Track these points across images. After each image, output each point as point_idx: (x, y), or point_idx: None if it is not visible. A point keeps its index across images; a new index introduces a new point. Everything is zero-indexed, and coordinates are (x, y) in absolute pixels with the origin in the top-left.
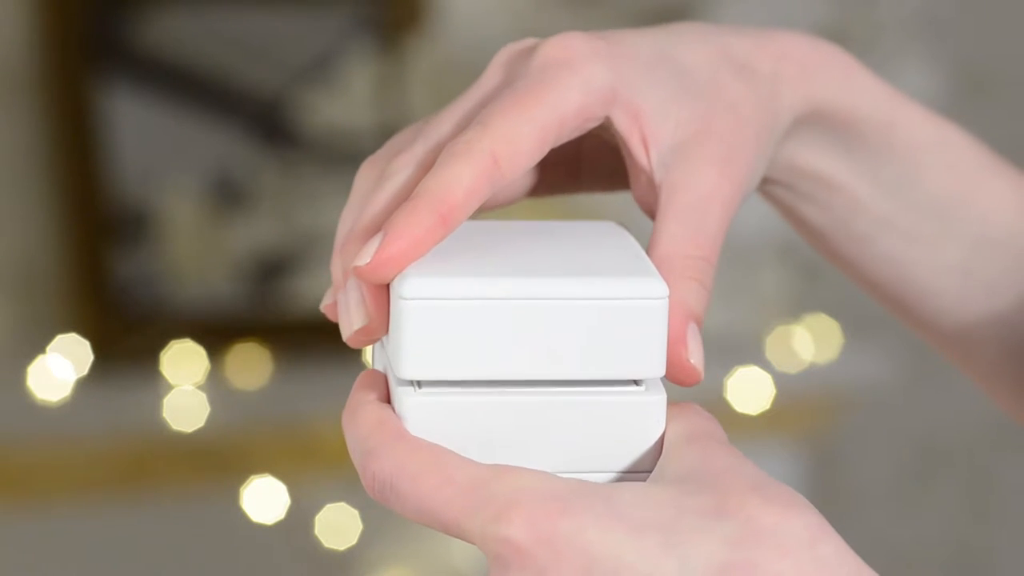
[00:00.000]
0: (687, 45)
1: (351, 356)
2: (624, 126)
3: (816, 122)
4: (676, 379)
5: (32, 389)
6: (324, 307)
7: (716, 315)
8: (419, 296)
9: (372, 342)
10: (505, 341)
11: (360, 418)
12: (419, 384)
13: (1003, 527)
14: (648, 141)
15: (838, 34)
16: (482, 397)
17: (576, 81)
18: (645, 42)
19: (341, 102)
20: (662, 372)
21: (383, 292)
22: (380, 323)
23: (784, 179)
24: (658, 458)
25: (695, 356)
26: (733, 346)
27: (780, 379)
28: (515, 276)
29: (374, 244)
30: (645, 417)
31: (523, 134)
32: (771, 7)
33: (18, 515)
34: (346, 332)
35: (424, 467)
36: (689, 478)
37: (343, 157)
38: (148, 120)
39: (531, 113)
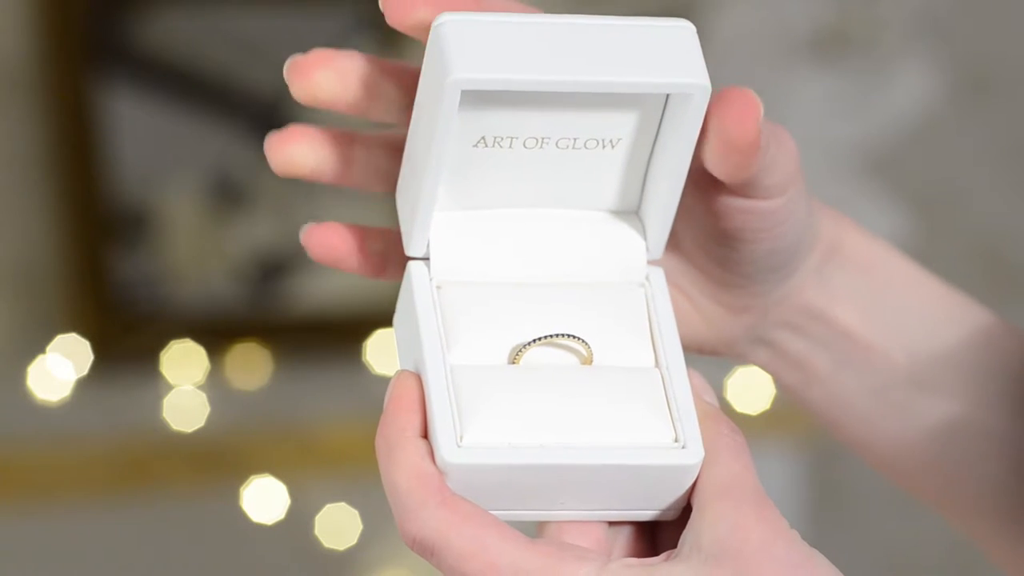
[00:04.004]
0: None
1: (351, 356)
2: None
3: (838, 260)
4: (730, 110)
5: (32, 389)
6: (305, 231)
7: None
8: (453, 19)
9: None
10: (545, 51)
11: (398, 464)
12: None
13: None
14: None
15: (838, 34)
16: (521, 459)
17: None
18: None
19: None
20: (706, 80)
21: None
22: None
23: (818, 332)
24: (689, 495)
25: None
26: None
27: None
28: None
29: None
30: (683, 475)
31: None
32: (771, 7)
33: (18, 515)
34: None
35: (467, 545)
36: (723, 558)
37: None
38: (148, 120)
39: None
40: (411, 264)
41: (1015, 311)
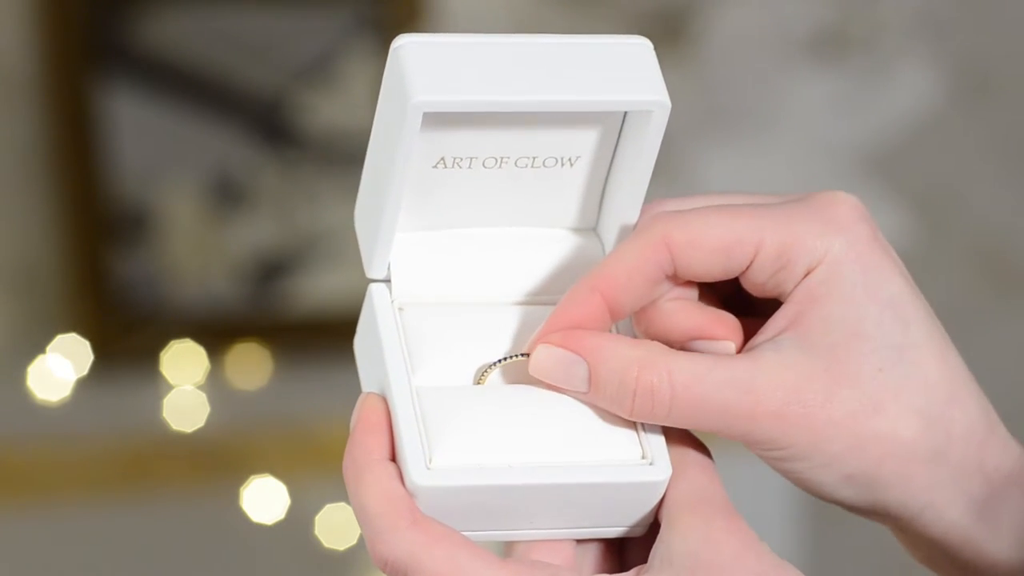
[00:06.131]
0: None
1: (351, 356)
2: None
3: None
4: None
5: (32, 389)
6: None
7: None
8: (412, 42)
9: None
10: (504, 71)
11: (368, 487)
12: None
13: None
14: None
15: (838, 34)
16: (491, 480)
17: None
18: None
19: (341, 102)
20: (665, 97)
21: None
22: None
23: None
24: (657, 510)
25: None
26: None
27: None
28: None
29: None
30: (651, 491)
31: (709, 234)
32: (771, 7)
33: (18, 515)
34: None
35: (439, 566)
36: (695, 571)
37: (343, 157)
38: (148, 120)
39: (720, 221)
40: (372, 286)
41: (1015, 311)
